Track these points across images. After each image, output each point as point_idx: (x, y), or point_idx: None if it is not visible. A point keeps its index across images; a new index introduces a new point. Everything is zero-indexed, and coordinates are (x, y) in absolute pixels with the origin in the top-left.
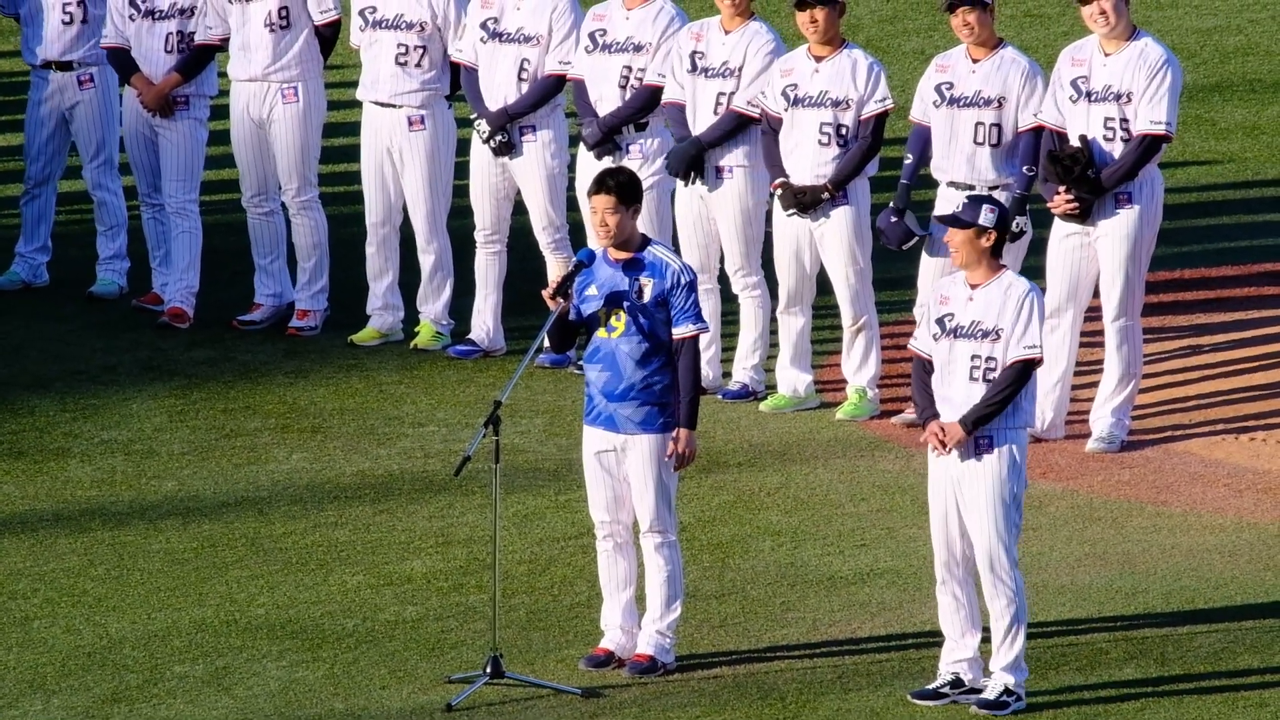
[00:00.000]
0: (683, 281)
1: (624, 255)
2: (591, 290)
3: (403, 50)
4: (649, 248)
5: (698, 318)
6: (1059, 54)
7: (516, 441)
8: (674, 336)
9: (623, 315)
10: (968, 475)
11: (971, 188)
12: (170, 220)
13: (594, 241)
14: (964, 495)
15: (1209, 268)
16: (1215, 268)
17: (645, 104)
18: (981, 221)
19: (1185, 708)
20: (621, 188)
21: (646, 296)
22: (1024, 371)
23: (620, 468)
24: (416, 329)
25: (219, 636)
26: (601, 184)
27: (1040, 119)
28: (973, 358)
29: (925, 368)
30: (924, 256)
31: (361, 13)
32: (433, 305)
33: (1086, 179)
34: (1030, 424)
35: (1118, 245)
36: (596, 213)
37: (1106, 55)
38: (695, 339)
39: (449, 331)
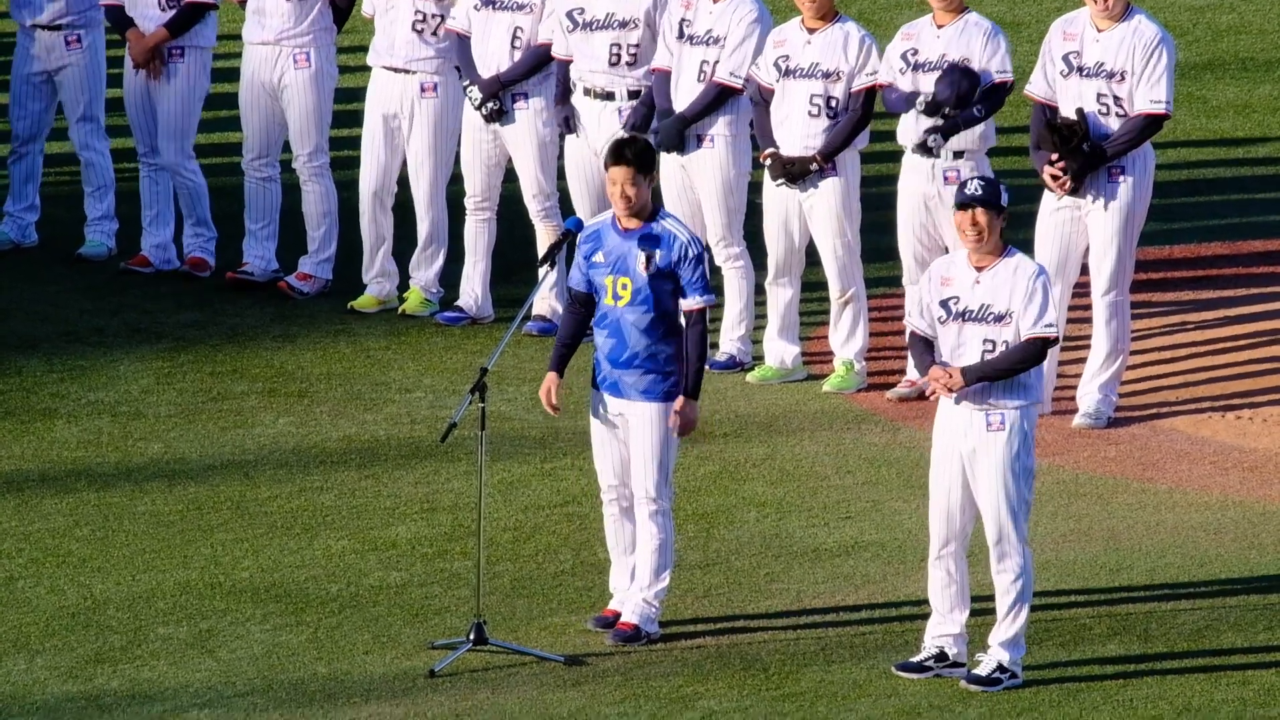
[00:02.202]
0: (691, 254)
1: (634, 224)
2: (599, 258)
3: (420, 18)
4: (660, 218)
5: (705, 290)
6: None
7: (502, 409)
8: (682, 309)
9: (629, 284)
10: (980, 451)
11: (936, 156)
12: (173, 177)
13: (581, 209)
14: (975, 471)
15: (1198, 245)
16: (1205, 245)
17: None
18: (1003, 201)
19: (1168, 685)
20: (639, 156)
21: (654, 267)
22: (1039, 349)
23: (623, 431)
24: (404, 294)
25: (203, 599)
26: (620, 155)
27: (1028, 92)
28: (985, 342)
29: (924, 343)
30: (899, 219)
31: None
32: (424, 272)
33: (1081, 151)
34: (1039, 400)
35: (1109, 218)
36: (616, 184)
37: (1099, 31)
38: (703, 311)
39: (438, 300)
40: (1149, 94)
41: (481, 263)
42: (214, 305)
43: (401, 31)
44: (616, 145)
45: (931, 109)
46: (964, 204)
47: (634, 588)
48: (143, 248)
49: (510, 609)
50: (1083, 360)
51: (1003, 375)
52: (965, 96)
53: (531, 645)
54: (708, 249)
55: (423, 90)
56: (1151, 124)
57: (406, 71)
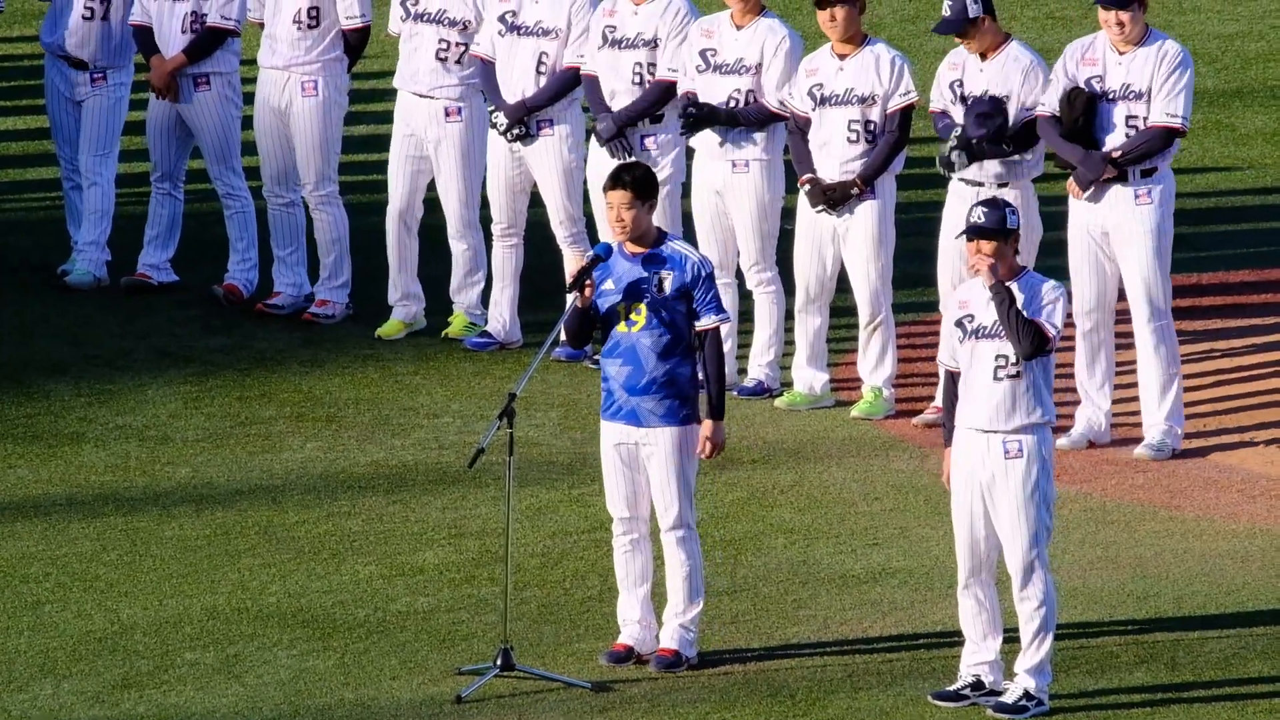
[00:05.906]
0: (703, 274)
1: (641, 249)
2: (609, 285)
3: (444, 46)
4: (666, 242)
5: (719, 309)
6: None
7: (531, 434)
8: (697, 329)
9: (643, 309)
10: (999, 480)
11: (981, 185)
12: (225, 203)
13: (607, 235)
14: (994, 499)
15: (1227, 272)
16: (1233, 272)
17: (659, 99)
18: (1009, 226)
19: (1195, 713)
20: (637, 183)
21: (667, 289)
22: (1038, 334)
23: (639, 461)
24: (449, 319)
25: (230, 624)
26: (617, 179)
27: (1041, 112)
28: (997, 357)
29: (953, 382)
30: (940, 247)
31: (403, 2)
32: (467, 295)
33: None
34: (1052, 419)
35: (1144, 243)
36: (612, 208)
37: (1121, 54)
38: (717, 330)
39: (483, 322)
40: (1165, 107)
41: (509, 288)
42: (242, 330)
43: (425, 61)
44: (615, 170)
45: (962, 144)
46: (968, 234)
47: (668, 614)
48: (139, 266)
49: (537, 635)
50: (1134, 385)
51: (1017, 322)
52: (997, 132)
53: (559, 671)
54: (739, 273)
55: (446, 115)
56: (1165, 137)
57: (430, 98)
